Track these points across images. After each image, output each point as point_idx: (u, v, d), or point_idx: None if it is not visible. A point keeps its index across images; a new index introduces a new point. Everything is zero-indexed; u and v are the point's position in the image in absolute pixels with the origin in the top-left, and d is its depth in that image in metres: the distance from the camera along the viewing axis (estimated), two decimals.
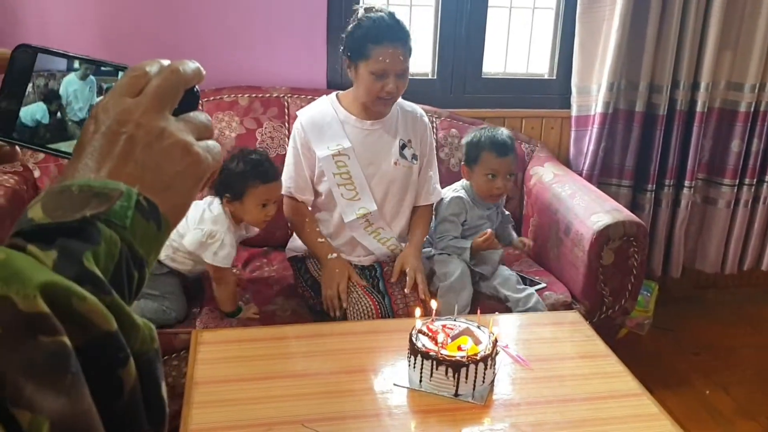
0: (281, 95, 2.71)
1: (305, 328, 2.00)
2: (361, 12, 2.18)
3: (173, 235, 2.17)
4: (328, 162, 2.23)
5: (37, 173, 2.52)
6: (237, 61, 2.76)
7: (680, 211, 3.07)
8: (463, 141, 2.44)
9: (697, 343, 2.98)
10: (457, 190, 2.43)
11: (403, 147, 2.31)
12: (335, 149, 2.23)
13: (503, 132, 2.38)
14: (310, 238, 2.27)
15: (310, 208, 2.33)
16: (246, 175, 2.08)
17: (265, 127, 2.66)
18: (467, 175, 2.41)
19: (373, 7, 2.19)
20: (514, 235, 2.56)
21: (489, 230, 2.29)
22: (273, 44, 2.77)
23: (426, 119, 2.41)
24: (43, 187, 2.51)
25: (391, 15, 2.16)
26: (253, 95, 2.70)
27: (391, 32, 2.12)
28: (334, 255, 2.22)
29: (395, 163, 2.30)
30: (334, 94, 2.34)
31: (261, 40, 2.75)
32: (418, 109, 2.41)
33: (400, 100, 2.29)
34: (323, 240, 2.26)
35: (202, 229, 2.10)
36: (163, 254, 2.14)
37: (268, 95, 2.71)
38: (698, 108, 2.93)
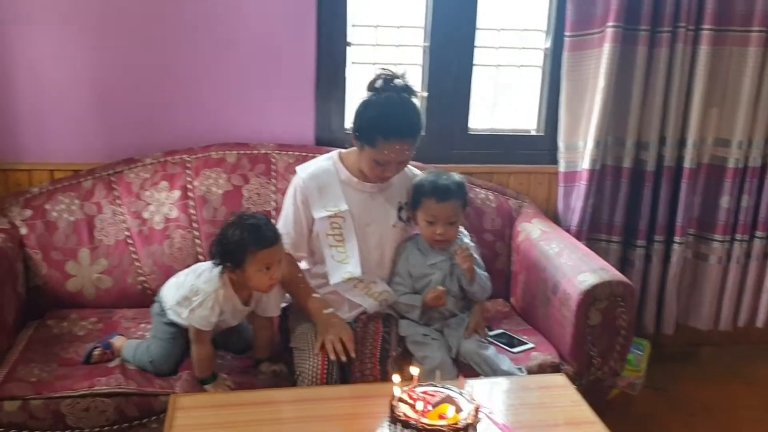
0: (269, 152, 2.72)
1: (285, 393, 1.97)
2: (379, 82, 2.15)
3: (174, 285, 2.18)
4: (323, 223, 2.22)
5: (24, 230, 2.51)
6: (226, 118, 2.78)
7: (671, 266, 3.04)
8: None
9: (691, 403, 2.92)
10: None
11: (400, 209, 2.33)
12: (332, 211, 2.22)
13: (450, 177, 2.31)
14: (304, 293, 2.22)
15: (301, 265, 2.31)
16: (244, 242, 2.00)
17: (252, 184, 2.66)
18: (413, 220, 2.36)
19: (389, 77, 2.15)
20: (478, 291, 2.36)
21: (440, 288, 2.25)
22: (261, 100, 2.78)
23: (418, 171, 2.40)
24: (29, 244, 2.49)
25: (404, 102, 2.15)
26: (241, 152, 2.71)
27: (401, 129, 2.12)
28: (332, 310, 2.19)
29: (393, 226, 2.31)
30: (336, 153, 2.33)
31: (249, 96, 2.77)
32: (416, 171, 2.40)
33: None
34: (317, 296, 2.22)
35: (192, 284, 2.10)
36: (170, 302, 2.16)
37: (255, 152, 2.71)
38: (686, 164, 2.94)
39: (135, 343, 2.23)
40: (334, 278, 2.23)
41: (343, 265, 2.23)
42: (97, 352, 2.21)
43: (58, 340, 2.33)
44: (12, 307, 2.35)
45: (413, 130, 2.15)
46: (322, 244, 2.24)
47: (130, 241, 2.57)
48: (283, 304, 2.31)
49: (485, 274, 2.38)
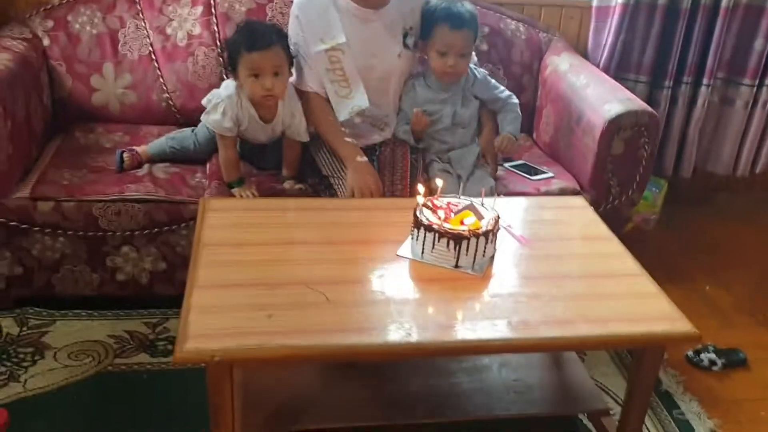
0: None
1: (312, 201, 2.03)
2: None
3: None
4: (320, 58, 2.12)
5: (46, 41, 2.49)
6: None
7: (696, 109, 3.01)
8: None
9: (703, 242, 2.99)
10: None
11: (405, 36, 2.21)
12: (329, 44, 2.11)
13: (463, 5, 2.18)
14: (337, 138, 2.16)
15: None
16: (236, 43, 2.03)
17: (276, 2, 2.59)
18: (423, 52, 2.25)
19: None
20: (508, 128, 2.28)
21: (416, 110, 2.18)
22: None
23: None
24: (52, 55, 2.48)
25: None
26: None
27: None
28: (364, 159, 2.12)
29: (399, 56, 2.21)
30: None
31: None
32: None
33: None
34: (351, 140, 2.16)
35: (213, 90, 2.16)
36: None
37: None
38: (723, 3, 2.82)
39: (163, 138, 2.32)
40: (342, 114, 2.16)
41: (348, 101, 2.15)
42: (126, 155, 2.26)
43: (86, 150, 2.37)
44: (39, 116, 2.37)
45: None
46: (323, 79, 2.15)
47: (153, 56, 2.55)
48: None
49: (515, 101, 2.33)
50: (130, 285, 2.21)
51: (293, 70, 2.18)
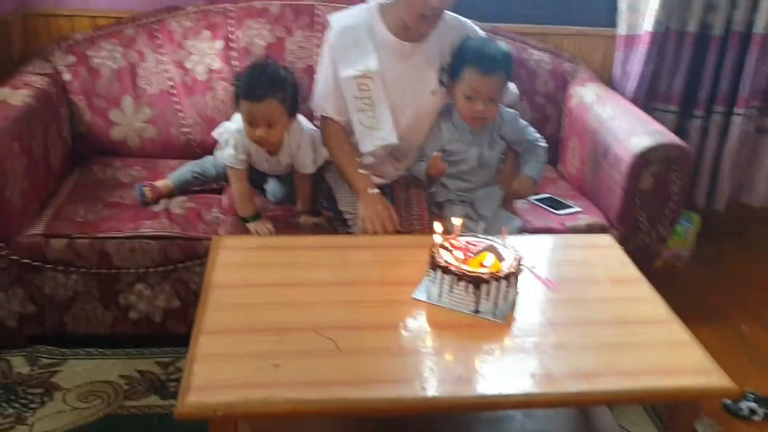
0: (313, 2, 2.60)
1: (325, 239, 1.96)
2: None
3: None
4: (349, 84, 2.05)
5: (67, 76, 2.48)
6: None
7: (730, 140, 2.91)
8: None
9: (738, 278, 2.87)
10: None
11: (441, 72, 2.11)
12: (360, 71, 2.04)
13: (497, 45, 2.05)
14: (350, 168, 2.08)
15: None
16: (237, 85, 2.03)
17: (296, 36, 2.56)
18: (450, 91, 2.12)
19: None
20: (529, 172, 2.15)
21: (435, 153, 2.06)
22: None
23: (471, 26, 2.17)
24: (72, 90, 2.47)
25: None
26: (285, 2, 2.60)
27: None
28: (376, 191, 2.04)
29: (432, 93, 2.11)
30: (376, 2, 2.11)
31: None
32: (465, 21, 2.17)
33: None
34: (364, 172, 2.08)
35: (224, 125, 2.18)
36: None
37: (299, 2, 2.60)
38: (757, 29, 2.74)
39: (185, 167, 2.35)
40: (365, 146, 2.08)
41: (374, 132, 2.06)
42: (146, 189, 2.24)
43: (103, 184, 2.35)
44: (58, 151, 2.36)
45: None
46: (349, 107, 2.08)
47: (173, 90, 2.54)
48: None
49: (543, 144, 2.20)
50: (143, 323, 2.16)
51: (315, 92, 2.16)
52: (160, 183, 2.29)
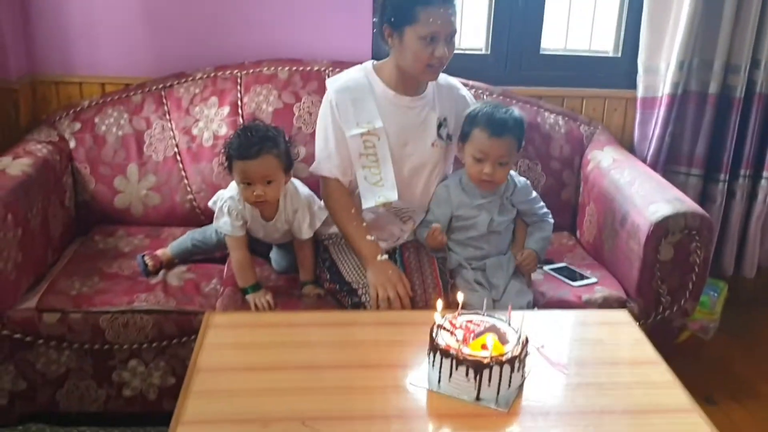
0: (322, 68, 2.57)
1: (324, 315, 1.87)
2: None
3: None
4: (355, 141, 2.04)
5: (72, 144, 2.46)
6: (279, 33, 2.63)
7: (757, 204, 2.79)
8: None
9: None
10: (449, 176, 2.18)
11: (440, 126, 2.12)
12: (366, 128, 2.03)
13: (508, 110, 2.05)
14: (357, 235, 2.03)
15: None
16: (229, 149, 2.00)
17: (304, 102, 2.52)
18: (460, 154, 2.12)
19: None
20: (534, 246, 2.12)
21: (435, 225, 2.03)
22: (317, 14, 2.62)
23: (466, 92, 2.23)
24: (77, 157, 2.45)
25: None
26: (294, 68, 2.57)
27: None
28: (385, 257, 2.00)
29: (432, 145, 2.11)
30: (369, 63, 2.14)
31: (304, 9, 2.61)
32: (455, 81, 2.22)
33: None
34: (372, 238, 2.03)
35: (219, 192, 2.13)
36: None
37: (308, 68, 2.57)
38: None
39: (185, 235, 2.31)
40: (368, 202, 2.05)
41: (377, 188, 2.04)
42: (147, 258, 2.19)
43: (102, 255, 2.29)
44: (59, 221, 2.32)
45: None
46: (354, 165, 2.05)
47: (178, 157, 2.50)
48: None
49: (550, 220, 2.18)
50: (137, 401, 2.07)
51: (317, 155, 2.12)
52: (160, 252, 2.23)
